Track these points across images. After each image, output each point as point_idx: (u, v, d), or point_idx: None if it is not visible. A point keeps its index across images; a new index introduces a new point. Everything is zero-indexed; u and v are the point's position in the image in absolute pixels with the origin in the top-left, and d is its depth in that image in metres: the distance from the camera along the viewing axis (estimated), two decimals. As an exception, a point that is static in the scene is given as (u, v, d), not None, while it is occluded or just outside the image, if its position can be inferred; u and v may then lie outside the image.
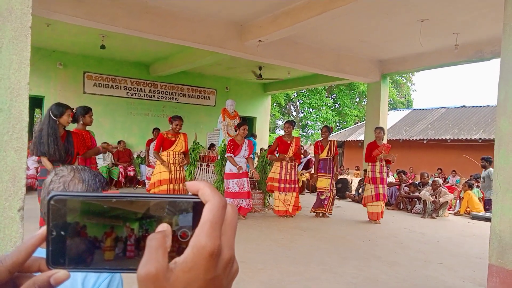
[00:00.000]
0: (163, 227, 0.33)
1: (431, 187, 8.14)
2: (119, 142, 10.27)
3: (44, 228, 0.34)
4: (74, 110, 4.49)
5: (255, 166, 7.74)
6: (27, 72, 1.45)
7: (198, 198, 0.34)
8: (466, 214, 8.29)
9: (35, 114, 12.25)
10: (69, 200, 0.34)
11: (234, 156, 6.37)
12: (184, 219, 0.34)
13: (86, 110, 4.61)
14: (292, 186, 6.85)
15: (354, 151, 18.50)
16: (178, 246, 0.33)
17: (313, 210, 7.08)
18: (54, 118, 3.79)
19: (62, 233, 0.34)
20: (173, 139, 5.89)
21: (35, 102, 10.35)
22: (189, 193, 0.35)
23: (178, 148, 5.92)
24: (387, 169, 7.01)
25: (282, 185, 6.79)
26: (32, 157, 7.04)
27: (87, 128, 4.68)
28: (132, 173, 9.92)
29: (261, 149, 10.43)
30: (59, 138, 3.79)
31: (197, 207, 0.34)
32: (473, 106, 17.59)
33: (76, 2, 5.59)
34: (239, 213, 6.35)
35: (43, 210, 1.23)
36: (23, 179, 1.48)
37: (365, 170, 7.50)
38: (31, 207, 3.61)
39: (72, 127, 4.49)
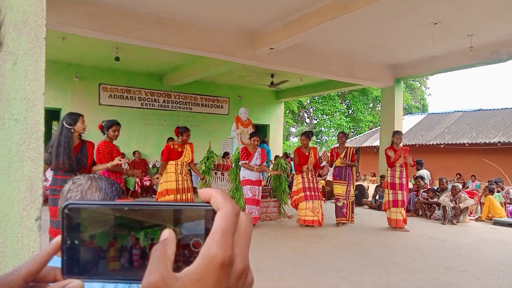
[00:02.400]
0: (165, 234, 0.32)
1: (450, 193, 7.95)
2: (134, 153, 10.39)
3: (60, 237, 0.34)
4: (103, 123, 4.52)
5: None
6: (42, 82, 1.46)
7: (210, 206, 0.33)
8: (488, 219, 8.07)
9: (53, 127, 12.49)
10: (83, 209, 0.34)
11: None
12: (197, 228, 0.33)
13: (109, 125, 4.47)
14: (318, 193, 6.73)
15: (369, 157, 18.26)
16: (190, 255, 0.32)
17: (337, 220, 6.89)
18: (68, 126, 3.69)
19: (77, 242, 0.33)
20: (179, 150, 5.89)
21: (53, 115, 10.56)
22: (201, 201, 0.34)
23: (186, 159, 5.92)
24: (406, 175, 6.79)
25: (308, 193, 6.60)
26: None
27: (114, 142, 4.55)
28: (148, 183, 9.98)
29: (276, 156, 10.39)
30: (72, 148, 3.68)
31: (209, 215, 0.33)
32: (490, 109, 17.22)
33: (90, 15, 5.71)
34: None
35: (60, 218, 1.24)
36: (39, 188, 1.49)
37: (382, 176, 7.35)
38: (48, 218, 3.64)
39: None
